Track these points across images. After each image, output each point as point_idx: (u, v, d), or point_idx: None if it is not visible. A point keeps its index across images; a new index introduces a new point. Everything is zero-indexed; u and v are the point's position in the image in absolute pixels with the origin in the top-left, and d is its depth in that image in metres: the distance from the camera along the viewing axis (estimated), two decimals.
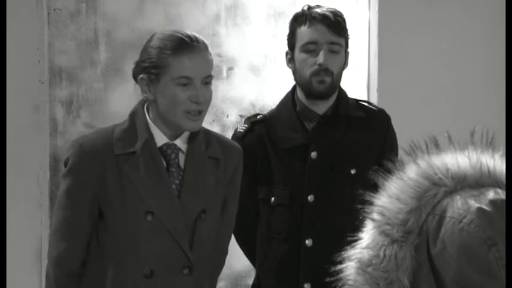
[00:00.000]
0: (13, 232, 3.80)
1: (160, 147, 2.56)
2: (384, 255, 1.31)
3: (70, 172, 2.54)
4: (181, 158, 2.58)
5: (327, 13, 2.94)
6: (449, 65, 4.21)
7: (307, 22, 2.95)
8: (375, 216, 1.34)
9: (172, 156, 2.57)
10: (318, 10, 2.95)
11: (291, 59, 3.01)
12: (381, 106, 3.17)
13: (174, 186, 2.55)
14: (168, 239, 2.52)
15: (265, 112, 3.18)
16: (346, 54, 3.01)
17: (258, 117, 3.08)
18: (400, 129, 3.12)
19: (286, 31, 3.04)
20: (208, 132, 2.68)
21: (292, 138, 2.98)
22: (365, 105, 3.10)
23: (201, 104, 2.51)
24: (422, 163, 1.35)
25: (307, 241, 2.93)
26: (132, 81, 2.60)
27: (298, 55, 2.97)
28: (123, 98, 4.02)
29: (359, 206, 1.36)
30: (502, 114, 3.80)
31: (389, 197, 1.34)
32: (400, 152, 2.90)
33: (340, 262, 1.36)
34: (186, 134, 2.59)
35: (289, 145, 2.98)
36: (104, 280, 2.53)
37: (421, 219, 1.31)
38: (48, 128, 4.05)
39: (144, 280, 2.51)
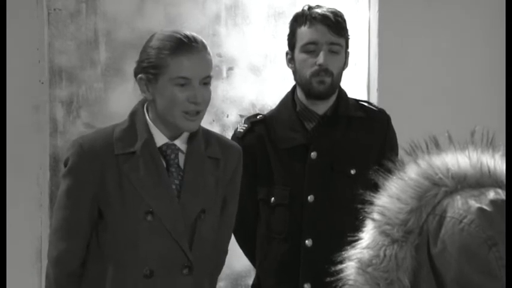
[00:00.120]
0: (13, 232, 3.80)
1: (160, 147, 2.56)
2: (384, 255, 1.31)
3: (70, 172, 2.54)
4: (181, 158, 2.58)
5: (327, 13, 2.94)
6: (449, 65, 4.21)
7: (308, 22, 2.94)
8: (375, 216, 1.34)
9: (172, 156, 2.57)
10: (318, 10, 2.95)
11: (291, 59, 3.01)
12: (381, 106, 3.17)
13: (173, 186, 2.55)
14: (168, 239, 2.52)
15: (265, 112, 3.18)
16: (346, 54, 3.01)
17: (258, 117, 3.07)
18: (400, 129, 3.11)
19: (286, 31, 3.03)
20: (207, 132, 2.68)
21: (292, 138, 2.98)
22: (365, 105, 3.10)
23: (199, 105, 2.51)
24: (423, 163, 1.35)
25: (307, 241, 2.93)
26: (132, 81, 2.61)
27: (298, 55, 2.97)
28: (123, 98, 4.02)
29: (359, 206, 1.36)
30: (502, 114, 3.80)
31: (390, 197, 1.34)
32: (401, 152, 2.90)
33: (340, 262, 1.36)
34: (185, 134, 2.59)
35: (289, 145, 2.98)
36: (103, 280, 2.53)
37: (422, 219, 1.31)
38: (48, 128, 4.04)
39: (144, 280, 2.51)
